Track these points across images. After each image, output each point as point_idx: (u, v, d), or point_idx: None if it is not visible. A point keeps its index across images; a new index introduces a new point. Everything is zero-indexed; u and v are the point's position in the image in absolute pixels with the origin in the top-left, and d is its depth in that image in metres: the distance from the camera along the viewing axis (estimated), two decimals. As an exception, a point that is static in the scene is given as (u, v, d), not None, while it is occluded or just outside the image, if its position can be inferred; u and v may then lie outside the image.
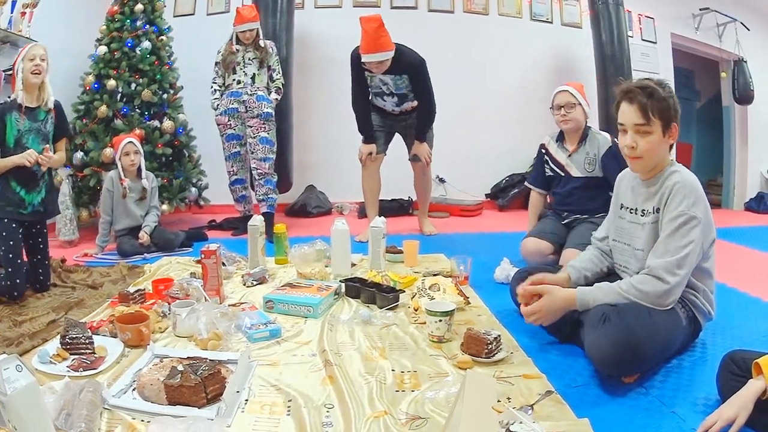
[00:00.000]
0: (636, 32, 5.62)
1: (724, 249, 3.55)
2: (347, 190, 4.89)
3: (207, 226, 4.15)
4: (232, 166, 3.88)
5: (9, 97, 2.42)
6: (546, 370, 1.59)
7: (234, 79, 3.73)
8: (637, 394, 1.48)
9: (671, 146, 1.70)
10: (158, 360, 1.61)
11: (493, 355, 1.64)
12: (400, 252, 2.94)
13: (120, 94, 3.89)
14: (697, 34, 5.76)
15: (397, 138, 3.78)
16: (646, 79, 1.71)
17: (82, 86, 3.93)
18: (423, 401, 1.40)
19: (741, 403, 1.21)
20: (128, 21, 3.96)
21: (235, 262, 2.84)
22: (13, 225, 2.28)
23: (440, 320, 1.79)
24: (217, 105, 3.77)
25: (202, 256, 2.20)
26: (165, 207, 3.87)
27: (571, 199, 2.83)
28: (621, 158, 1.81)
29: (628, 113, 1.64)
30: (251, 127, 3.73)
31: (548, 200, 3.14)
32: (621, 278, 1.79)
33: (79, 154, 3.73)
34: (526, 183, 3.23)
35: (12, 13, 3.43)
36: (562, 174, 2.86)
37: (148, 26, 4.02)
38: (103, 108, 3.76)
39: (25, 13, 3.52)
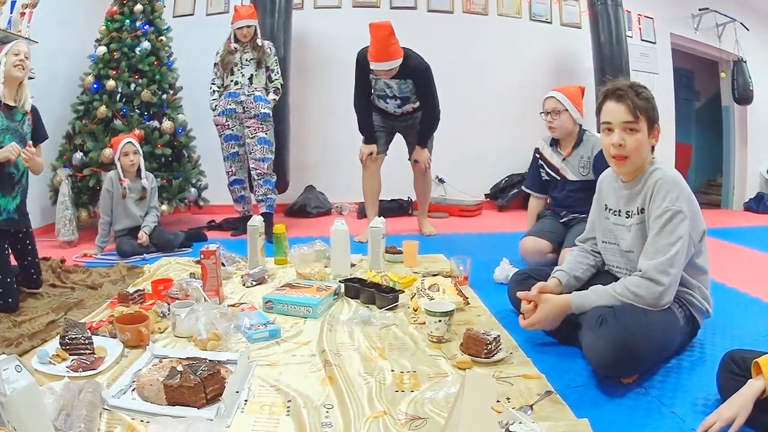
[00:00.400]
0: (635, 32, 5.62)
1: (724, 249, 3.56)
2: (347, 191, 4.89)
3: (206, 227, 4.15)
4: (231, 167, 3.89)
5: None
6: (545, 370, 1.59)
7: (232, 80, 3.73)
8: (637, 394, 1.48)
9: (653, 148, 1.70)
10: (158, 360, 1.61)
11: (493, 356, 1.64)
12: (400, 252, 2.94)
13: (119, 95, 3.89)
14: (697, 34, 5.76)
15: (397, 138, 3.78)
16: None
17: (82, 87, 3.93)
18: (422, 401, 1.40)
19: (740, 403, 1.21)
20: (128, 21, 3.97)
21: (235, 262, 2.84)
22: None
23: (440, 320, 1.79)
24: (216, 106, 3.78)
25: (202, 256, 2.20)
26: (164, 207, 3.87)
27: (569, 202, 2.82)
28: None
29: (616, 111, 1.65)
30: (249, 127, 3.74)
31: (548, 201, 3.14)
32: (614, 277, 1.79)
33: (79, 155, 3.73)
34: (523, 188, 3.23)
35: (11, 13, 3.43)
36: (558, 178, 2.85)
37: (147, 27, 4.02)
38: (103, 108, 3.76)
39: (25, 13, 3.52)
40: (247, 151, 3.80)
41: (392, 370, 1.60)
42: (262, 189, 3.80)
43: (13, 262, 2.38)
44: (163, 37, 4.13)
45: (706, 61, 6.22)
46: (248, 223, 2.80)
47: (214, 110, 3.78)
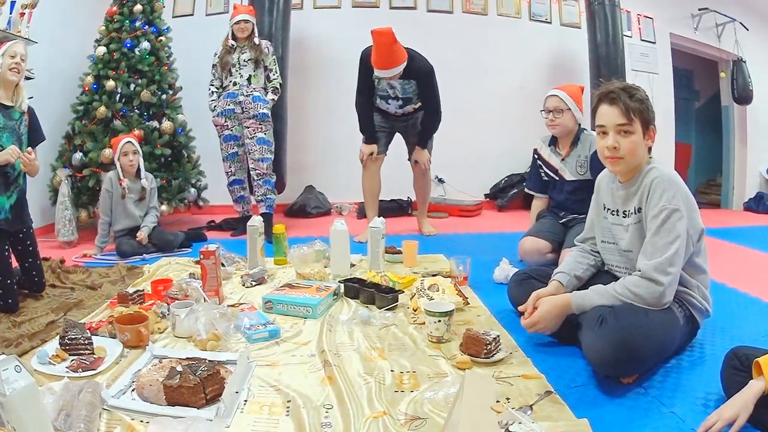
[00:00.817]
0: (635, 32, 5.63)
1: (724, 249, 3.56)
2: (346, 191, 4.89)
3: (206, 227, 4.15)
4: (230, 167, 3.89)
5: None
6: (545, 370, 1.59)
7: (230, 81, 3.74)
8: (636, 395, 1.48)
9: (650, 149, 1.70)
10: (157, 360, 1.61)
11: (492, 356, 1.64)
12: (399, 252, 2.94)
13: (119, 95, 3.89)
14: (696, 34, 5.76)
15: (397, 138, 3.78)
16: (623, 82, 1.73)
17: (81, 87, 3.93)
18: (422, 401, 1.40)
19: (741, 403, 1.21)
20: (127, 21, 3.97)
21: (234, 262, 2.84)
22: None
23: (439, 320, 1.79)
24: (215, 106, 3.78)
25: (201, 256, 2.20)
26: (164, 207, 3.87)
27: (568, 203, 2.81)
28: None
29: (609, 114, 1.65)
30: (248, 128, 3.74)
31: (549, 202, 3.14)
32: (614, 277, 1.79)
33: (78, 155, 3.73)
34: (526, 189, 3.23)
35: (11, 13, 3.43)
36: (557, 178, 2.85)
37: (147, 27, 4.02)
38: (102, 108, 3.76)
39: (24, 13, 3.52)
40: (247, 151, 3.80)
41: (392, 371, 1.60)
42: (261, 189, 3.80)
43: (15, 264, 2.37)
44: (162, 37, 4.13)
45: (705, 61, 6.22)
46: (248, 224, 2.80)
47: (212, 111, 3.79)
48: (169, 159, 4.09)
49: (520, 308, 1.84)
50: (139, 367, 1.57)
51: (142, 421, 1.29)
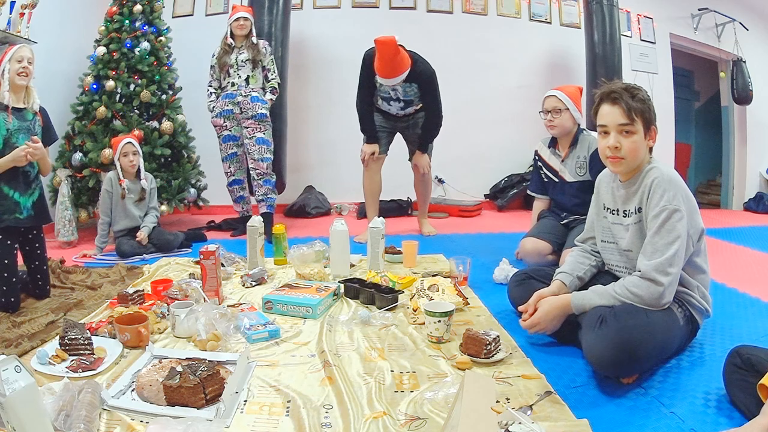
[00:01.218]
0: (635, 32, 5.63)
1: (724, 249, 3.56)
2: (346, 191, 4.90)
3: (206, 227, 4.15)
4: (230, 167, 3.89)
5: None
6: (545, 370, 1.59)
7: (228, 82, 3.75)
8: (636, 395, 1.48)
9: (651, 149, 1.71)
10: (157, 361, 1.61)
11: (492, 356, 1.64)
12: (399, 252, 2.94)
13: (119, 95, 3.89)
14: (696, 34, 5.77)
15: (397, 139, 3.78)
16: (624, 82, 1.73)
17: (81, 87, 3.94)
18: (422, 402, 1.40)
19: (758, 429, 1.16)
20: (127, 22, 3.97)
21: (234, 262, 2.84)
22: (8, 242, 2.21)
23: (439, 321, 1.79)
24: (213, 107, 3.78)
25: (201, 256, 2.20)
26: (164, 208, 3.87)
27: (569, 204, 2.81)
28: None
29: (611, 114, 1.65)
30: (247, 128, 3.74)
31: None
32: (614, 277, 1.79)
33: (78, 155, 3.73)
34: (528, 191, 3.22)
35: (11, 13, 3.44)
36: (557, 180, 2.85)
37: (146, 27, 4.03)
38: (102, 109, 3.76)
39: (24, 13, 3.52)
40: (246, 151, 3.80)
41: (392, 371, 1.59)
42: (262, 189, 3.80)
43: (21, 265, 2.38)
44: (162, 38, 4.13)
45: (705, 61, 6.22)
46: (248, 224, 2.80)
47: (211, 112, 3.79)
48: (169, 159, 4.09)
49: (521, 308, 1.84)
50: (139, 367, 1.57)
51: (141, 422, 1.29)
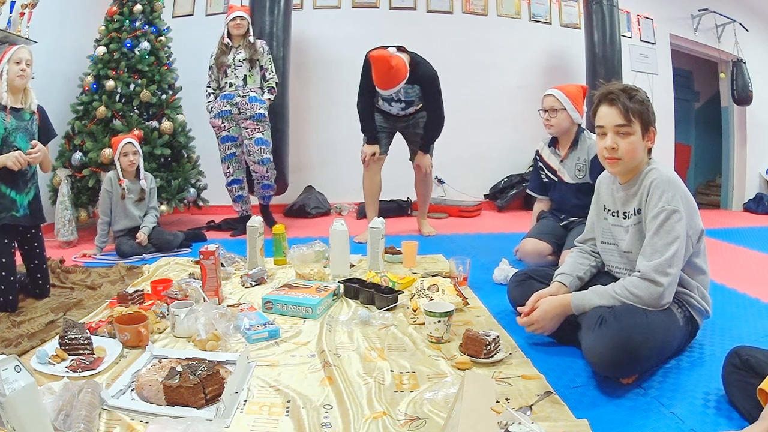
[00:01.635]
0: (635, 33, 5.63)
1: (724, 249, 3.56)
2: (346, 191, 4.90)
3: (206, 227, 4.15)
4: (229, 167, 3.89)
5: None
6: (545, 370, 1.59)
7: (226, 82, 3.75)
8: (636, 395, 1.48)
9: (650, 150, 1.70)
10: (157, 361, 1.61)
11: (492, 356, 1.64)
12: (399, 253, 2.94)
13: (119, 95, 3.89)
14: (696, 34, 5.77)
15: (397, 139, 3.78)
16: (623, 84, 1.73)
17: (81, 87, 3.93)
18: (421, 402, 1.40)
19: None
20: (127, 21, 3.97)
21: (234, 262, 2.84)
22: (5, 240, 2.21)
23: (439, 321, 1.79)
24: (212, 108, 3.78)
25: (201, 256, 2.20)
26: (164, 208, 3.87)
27: (567, 205, 2.81)
28: None
29: (608, 115, 1.65)
30: (246, 128, 3.75)
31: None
32: (614, 278, 1.79)
33: (78, 155, 3.73)
34: (528, 191, 3.22)
35: (11, 13, 3.44)
36: (556, 180, 2.85)
37: (147, 27, 4.03)
38: (102, 108, 3.76)
39: (24, 13, 3.52)
40: (245, 152, 3.81)
41: (391, 371, 1.59)
42: (261, 192, 3.83)
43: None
44: (162, 38, 4.13)
45: (705, 61, 6.23)
46: (247, 224, 2.80)
47: (210, 112, 3.79)
48: (169, 159, 4.09)
49: (520, 308, 1.84)
50: (139, 367, 1.57)
51: (141, 421, 1.29)
